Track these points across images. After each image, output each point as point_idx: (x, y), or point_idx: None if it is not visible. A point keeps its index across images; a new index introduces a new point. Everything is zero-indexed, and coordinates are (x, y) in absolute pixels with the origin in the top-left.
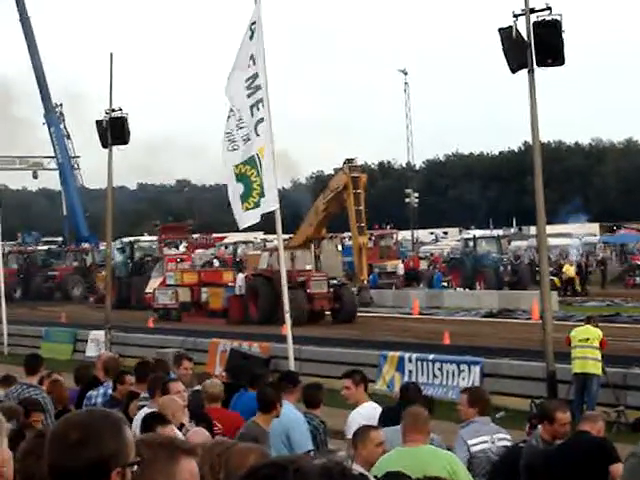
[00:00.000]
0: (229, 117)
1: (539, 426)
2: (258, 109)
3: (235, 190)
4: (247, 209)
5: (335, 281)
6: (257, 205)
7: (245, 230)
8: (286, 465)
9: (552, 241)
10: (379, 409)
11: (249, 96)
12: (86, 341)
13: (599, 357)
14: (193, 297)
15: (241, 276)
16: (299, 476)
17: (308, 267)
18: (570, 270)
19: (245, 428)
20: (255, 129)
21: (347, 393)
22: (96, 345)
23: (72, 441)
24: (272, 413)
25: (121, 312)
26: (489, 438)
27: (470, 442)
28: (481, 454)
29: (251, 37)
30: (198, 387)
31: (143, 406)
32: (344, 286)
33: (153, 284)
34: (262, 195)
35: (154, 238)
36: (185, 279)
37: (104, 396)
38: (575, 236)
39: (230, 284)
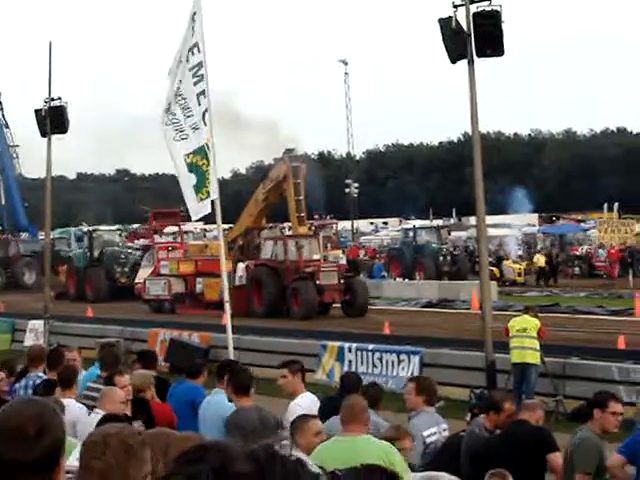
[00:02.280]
0: (170, 106)
1: (481, 415)
2: (204, 98)
3: (188, 181)
4: (201, 199)
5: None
6: (209, 195)
7: (183, 220)
8: (213, 448)
9: (491, 232)
10: (316, 399)
11: (195, 84)
12: (25, 331)
13: (537, 347)
14: (187, 288)
15: (241, 266)
16: (221, 456)
17: (316, 257)
18: (541, 260)
19: (242, 415)
20: (203, 118)
21: (284, 382)
22: (35, 335)
23: (30, 435)
24: (249, 396)
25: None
26: (437, 429)
27: (425, 433)
28: (432, 445)
29: (194, 26)
30: None
31: None
32: (355, 277)
33: (143, 274)
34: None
35: (113, 227)
36: (181, 269)
37: (25, 388)
38: (514, 227)
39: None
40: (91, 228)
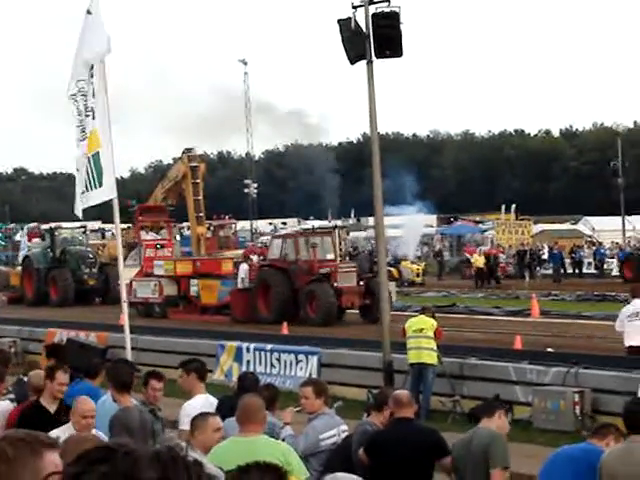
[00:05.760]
0: (76, 104)
1: (372, 413)
2: (94, 96)
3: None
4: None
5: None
6: (89, 191)
7: (80, 219)
8: (115, 448)
9: (390, 232)
10: (213, 400)
11: (91, 83)
12: None
13: (434, 347)
14: (180, 290)
15: (244, 267)
16: (128, 459)
17: (331, 256)
18: (479, 261)
19: (127, 414)
20: (93, 115)
21: (180, 381)
22: None
23: None
24: (130, 392)
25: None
26: (336, 431)
27: (322, 436)
28: (330, 447)
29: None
30: (25, 377)
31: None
32: (375, 279)
33: (129, 274)
34: (95, 185)
35: (76, 225)
36: (179, 269)
37: None
38: (412, 227)
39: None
40: (54, 225)
